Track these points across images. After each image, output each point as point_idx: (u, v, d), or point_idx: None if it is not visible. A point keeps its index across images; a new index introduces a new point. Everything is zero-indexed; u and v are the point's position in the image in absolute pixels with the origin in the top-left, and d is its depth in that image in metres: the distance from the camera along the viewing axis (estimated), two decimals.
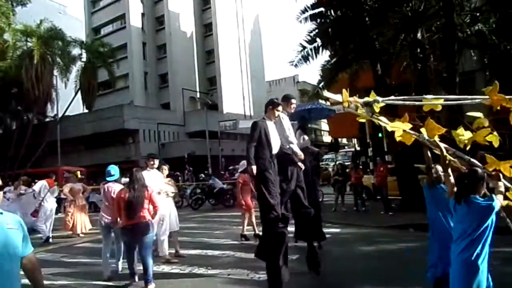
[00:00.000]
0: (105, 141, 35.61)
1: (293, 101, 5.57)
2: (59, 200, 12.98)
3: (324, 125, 57.35)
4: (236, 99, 46.72)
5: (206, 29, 46.56)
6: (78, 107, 35.44)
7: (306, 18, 13.31)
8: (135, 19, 41.41)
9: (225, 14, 46.16)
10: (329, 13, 13.13)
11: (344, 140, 48.62)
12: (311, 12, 13.16)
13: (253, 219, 8.33)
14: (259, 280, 5.16)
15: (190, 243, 8.14)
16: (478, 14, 12.70)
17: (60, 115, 31.89)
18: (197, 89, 43.70)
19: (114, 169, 6.11)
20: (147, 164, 6.52)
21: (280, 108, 5.03)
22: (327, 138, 57.05)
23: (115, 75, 34.57)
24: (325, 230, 9.18)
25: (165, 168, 6.91)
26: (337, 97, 3.39)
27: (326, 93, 4.41)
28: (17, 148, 28.79)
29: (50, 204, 10.01)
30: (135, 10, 41.52)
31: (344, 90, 3.29)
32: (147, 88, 42.09)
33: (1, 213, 2.11)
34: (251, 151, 4.64)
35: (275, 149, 4.84)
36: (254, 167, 4.55)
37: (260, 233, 7.94)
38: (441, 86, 12.55)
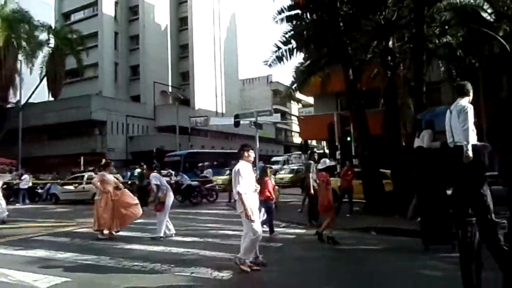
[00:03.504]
0: (70, 132, 34.48)
1: None
2: None
3: (295, 126, 57.92)
4: (209, 95, 46.41)
5: (181, 23, 45.95)
6: (43, 95, 34.11)
7: (282, 19, 13.36)
8: (108, 7, 40.26)
9: (202, 10, 45.73)
10: (305, 16, 13.25)
11: (314, 142, 49.23)
12: (287, 13, 13.23)
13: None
14: (222, 279, 5.10)
15: (153, 239, 8.01)
16: (447, 27, 13.19)
17: (23, 101, 30.56)
18: (169, 83, 43.08)
19: None
20: (242, 155, 5.58)
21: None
22: (297, 139, 57.67)
23: (84, 64, 33.56)
24: (291, 230, 9.28)
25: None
26: None
27: None
28: None
29: None
30: None
31: None
32: (117, 79, 41.05)
33: None
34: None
35: None
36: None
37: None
38: (409, 94, 12.94)
